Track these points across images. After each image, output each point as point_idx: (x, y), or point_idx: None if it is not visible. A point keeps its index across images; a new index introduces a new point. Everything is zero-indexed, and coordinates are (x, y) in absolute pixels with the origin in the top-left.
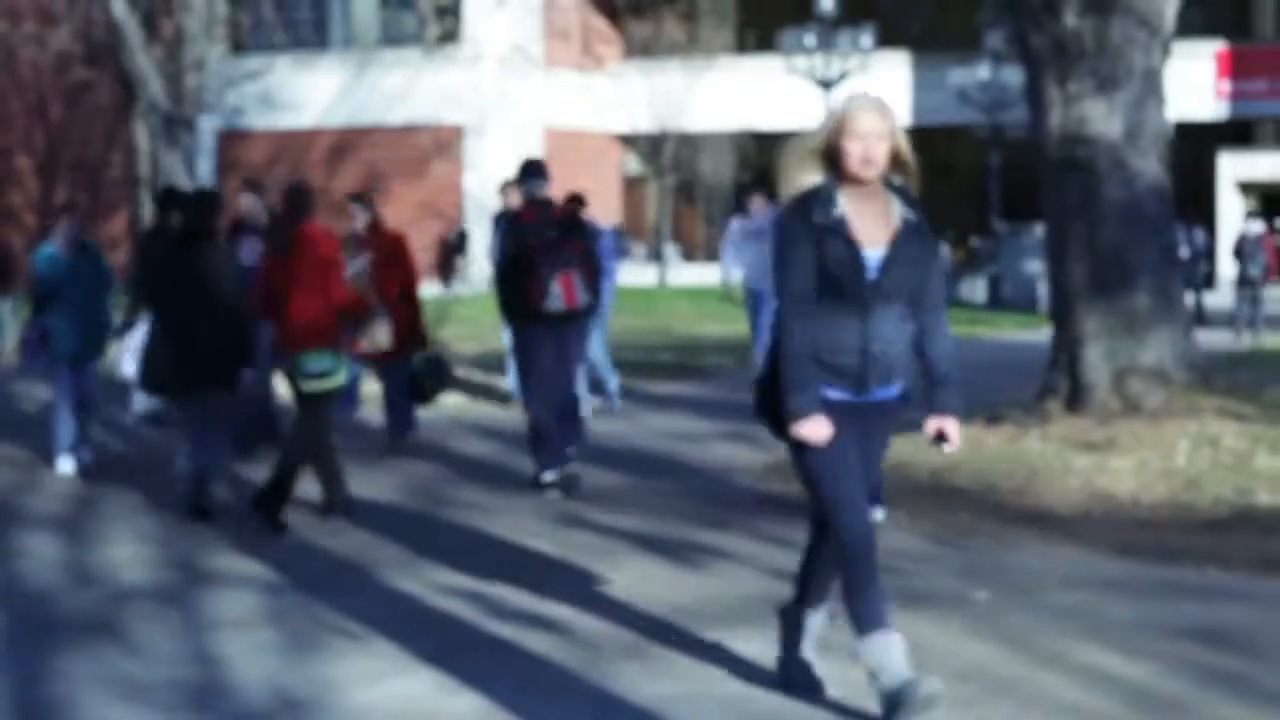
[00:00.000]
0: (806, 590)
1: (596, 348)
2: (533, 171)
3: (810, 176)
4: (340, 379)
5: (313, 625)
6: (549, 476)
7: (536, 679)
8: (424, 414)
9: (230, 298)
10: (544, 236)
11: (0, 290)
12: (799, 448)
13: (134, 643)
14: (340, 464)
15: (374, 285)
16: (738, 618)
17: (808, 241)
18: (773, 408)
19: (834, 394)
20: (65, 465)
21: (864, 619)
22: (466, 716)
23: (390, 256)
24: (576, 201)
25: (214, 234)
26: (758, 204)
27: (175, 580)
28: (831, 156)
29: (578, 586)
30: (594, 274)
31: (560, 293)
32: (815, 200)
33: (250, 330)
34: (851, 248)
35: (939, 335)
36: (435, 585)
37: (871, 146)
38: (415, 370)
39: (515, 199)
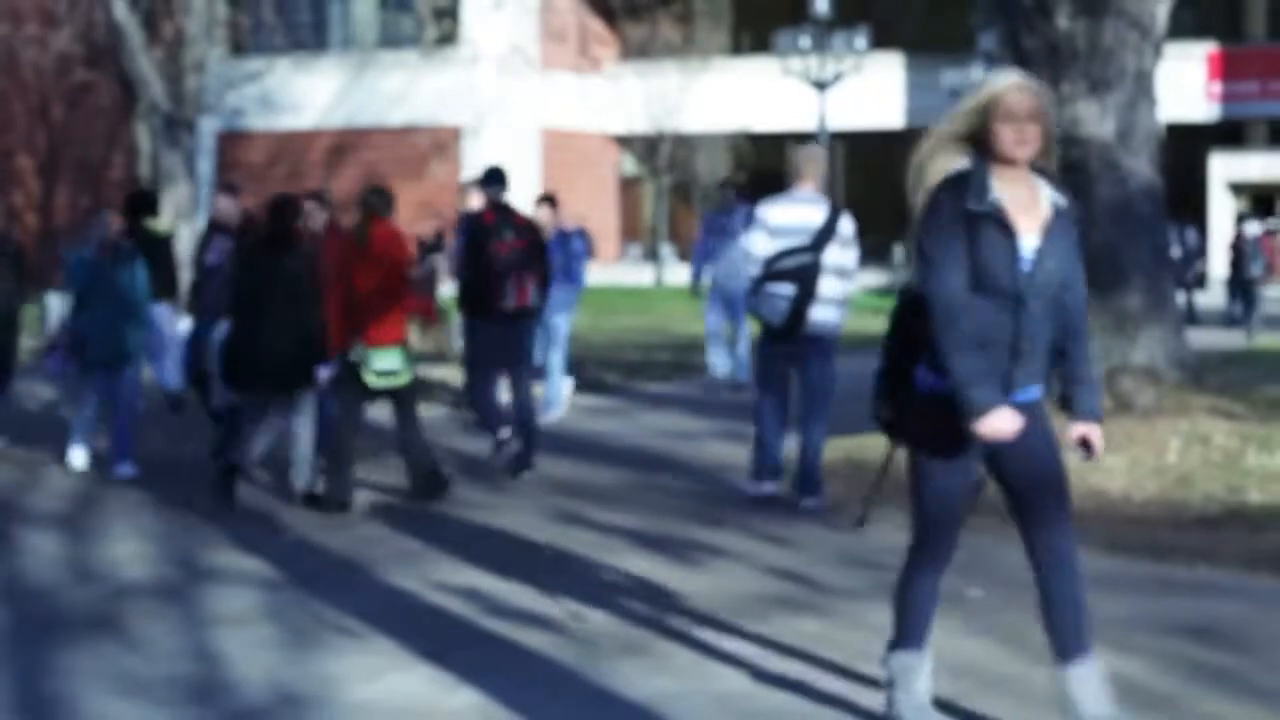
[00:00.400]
0: (904, 629)
1: (557, 351)
2: (495, 178)
3: (953, 161)
4: (406, 378)
5: (312, 622)
6: (504, 433)
7: (534, 675)
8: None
9: (309, 298)
10: (503, 238)
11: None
12: (922, 454)
13: (135, 639)
14: (352, 465)
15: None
16: (733, 615)
17: (959, 229)
18: (893, 408)
19: None
20: (78, 458)
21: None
22: (464, 712)
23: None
24: (548, 201)
25: (295, 238)
26: (728, 200)
27: (176, 577)
28: (979, 140)
29: (575, 583)
30: (545, 276)
31: (514, 292)
32: (968, 185)
33: (324, 330)
34: (1008, 236)
35: (1081, 334)
36: (433, 582)
37: (1026, 128)
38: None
39: (476, 200)
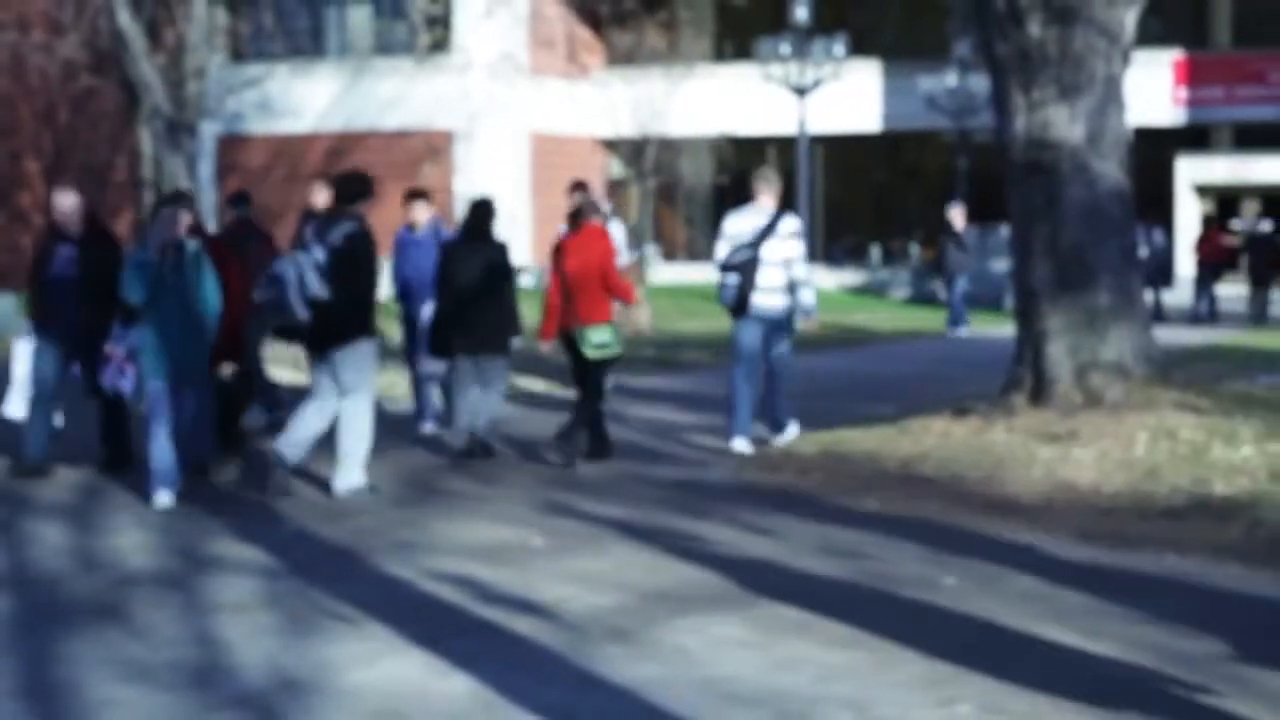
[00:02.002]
0: None
1: None
2: (416, 195)
3: None
4: (617, 350)
5: (309, 609)
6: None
7: (524, 661)
8: (413, 407)
9: (503, 282)
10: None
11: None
12: None
13: (138, 626)
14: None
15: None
16: (717, 602)
17: None
18: None
19: None
20: (163, 498)
21: None
22: (458, 696)
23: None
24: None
25: (490, 233)
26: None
27: (177, 566)
28: None
29: (564, 572)
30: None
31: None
32: None
33: (516, 307)
34: None
35: None
36: (427, 571)
37: None
38: (225, 384)
39: (322, 199)
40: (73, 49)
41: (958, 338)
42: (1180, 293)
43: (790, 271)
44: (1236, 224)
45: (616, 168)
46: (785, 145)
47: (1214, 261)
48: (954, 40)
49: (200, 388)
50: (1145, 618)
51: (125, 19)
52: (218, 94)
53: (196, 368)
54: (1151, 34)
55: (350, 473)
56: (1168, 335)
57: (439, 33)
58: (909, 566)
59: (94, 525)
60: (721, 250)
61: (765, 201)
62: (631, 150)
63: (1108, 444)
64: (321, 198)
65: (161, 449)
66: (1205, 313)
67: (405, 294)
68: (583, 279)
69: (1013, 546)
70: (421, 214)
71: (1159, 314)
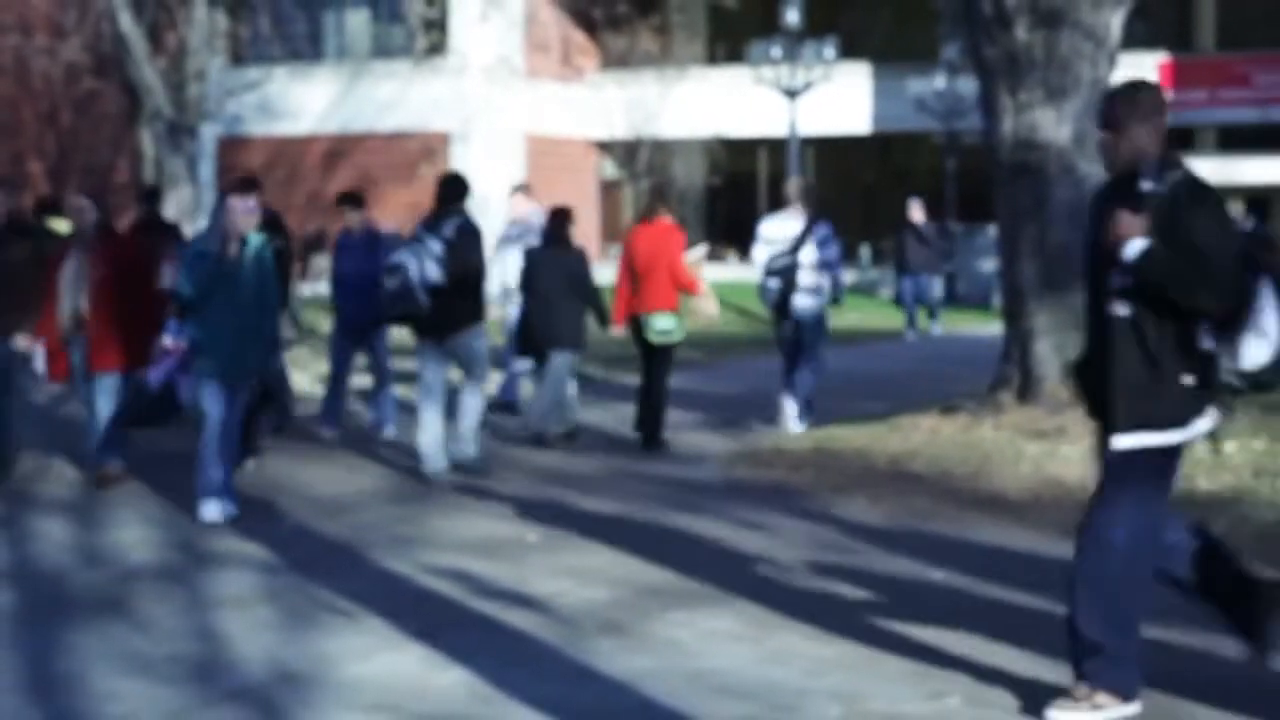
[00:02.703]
0: None
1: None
2: (349, 199)
3: None
4: (678, 336)
5: (308, 604)
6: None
7: (519, 654)
8: (411, 404)
9: (584, 285)
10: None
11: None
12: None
13: (141, 620)
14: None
15: (105, 292)
16: (709, 596)
17: None
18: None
19: None
20: (210, 511)
21: None
22: (454, 689)
23: (134, 261)
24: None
25: (570, 239)
26: (519, 202)
27: (179, 561)
28: None
29: (558, 567)
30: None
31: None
32: None
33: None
34: None
35: None
36: (424, 566)
37: None
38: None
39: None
40: (75, 52)
41: (931, 335)
42: None
43: (824, 275)
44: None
45: (610, 169)
46: (776, 147)
47: None
48: (942, 43)
49: (250, 387)
50: None
51: (127, 23)
52: (218, 96)
53: (253, 368)
54: (1137, 37)
55: (470, 446)
56: None
57: (435, 36)
58: (898, 561)
59: (98, 520)
60: (760, 253)
61: (793, 208)
62: (625, 152)
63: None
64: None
65: (213, 456)
66: None
67: (339, 292)
68: (650, 269)
69: (1000, 541)
70: (354, 218)
71: None
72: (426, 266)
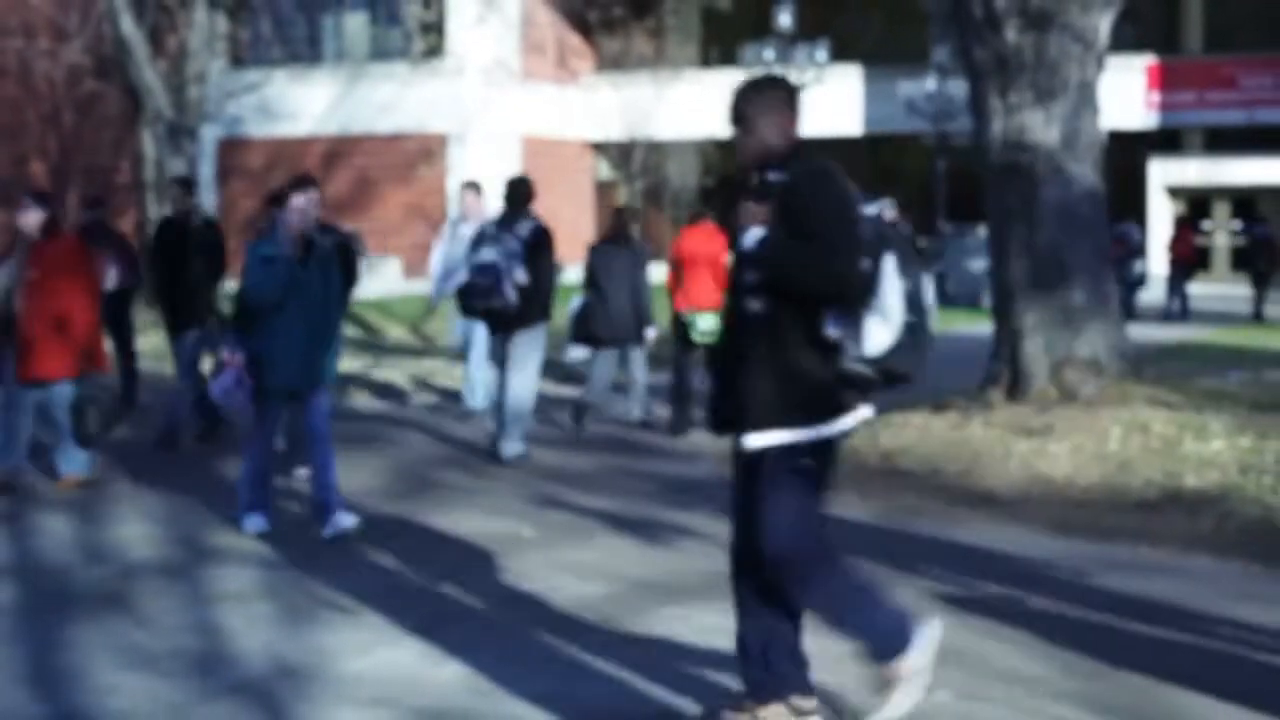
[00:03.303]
0: None
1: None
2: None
3: None
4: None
5: (307, 599)
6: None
7: (516, 649)
8: (408, 401)
9: (640, 279)
10: None
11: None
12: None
13: (142, 615)
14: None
15: (36, 296)
16: (701, 591)
17: None
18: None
19: None
20: (254, 523)
21: None
22: (451, 684)
23: (67, 264)
24: (621, 215)
25: (630, 236)
26: (469, 199)
27: (180, 557)
28: None
29: (554, 562)
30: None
31: None
32: None
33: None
34: None
35: None
36: (421, 562)
37: None
38: (81, 397)
39: (182, 203)
40: (77, 55)
41: None
42: (1152, 291)
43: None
44: (1207, 225)
45: (605, 170)
46: None
47: (1186, 261)
48: (933, 46)
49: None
50: (1119, 606)
51: (128, 26)
52: (218, 98)
53: (319, 379)
54: (1125, 40)
55: (514, 443)
56: (1140, 332)
57: (433, 39)
58: (888, 557)
59: (99, 517)
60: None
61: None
62: (620, 153)
63: (1082, 438)
64: (183, 201)
65: (260, 468)
66: (1177, 311)
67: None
68: (695, 269)
69: (990, 538)
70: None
71: (1129, 312)
72: (513, 267)
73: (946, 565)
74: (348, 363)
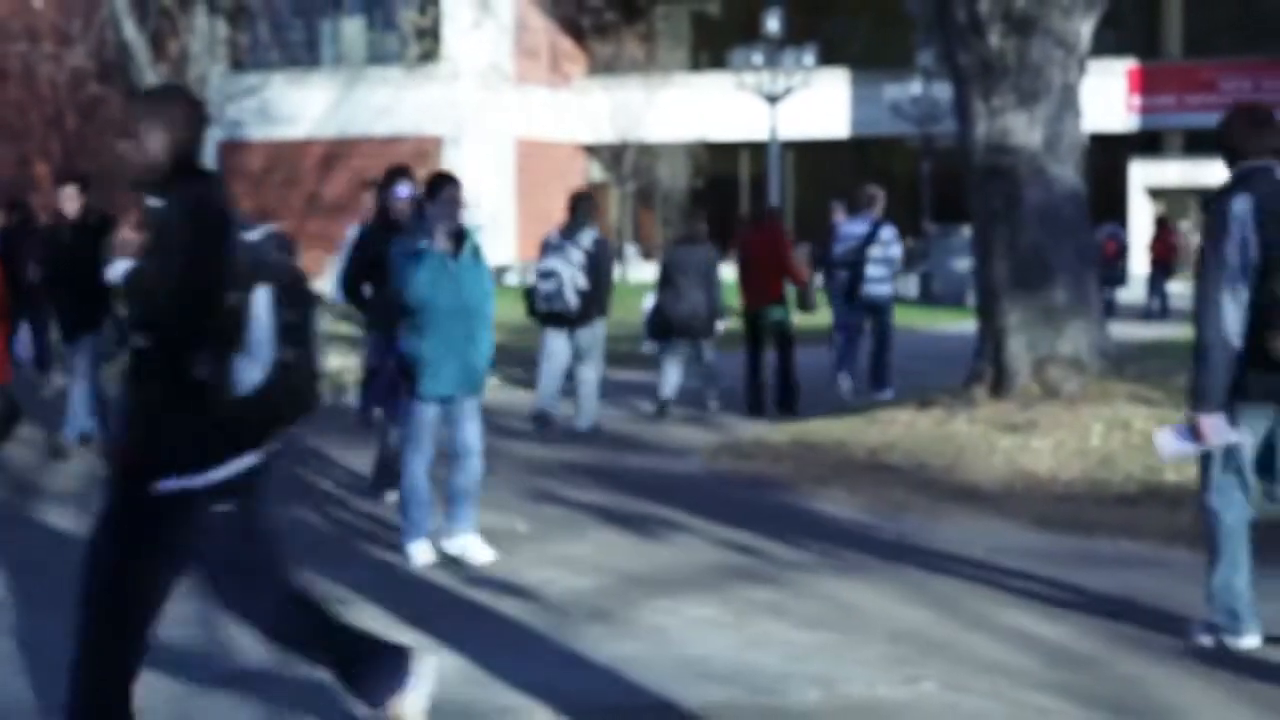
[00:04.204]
0: None
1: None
2: (79, 179)
3: None
4: (790, 321)
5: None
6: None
7: (509, 640)
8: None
9: (711, 276)
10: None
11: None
12: None
13: None
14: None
15: None
16: (692, 584)
17: None
18: None
19: None
20: (420, 554)
21: None
22: (445, 674)
23: None
24: (696, 219)
25: (703, 236)
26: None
27: None
28: None
29: (547, 556)
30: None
31: None
32: None
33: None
34: None
35: None
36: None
37: None
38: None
39: (69, 205)
40: (80, 59)
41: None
42: (1133, 290)
43: (887, 269)
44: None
45: (597, 171)
46: (757, 150)
47: (1166, 260)
48: (918, 50)
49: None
50: (1100, 598)
51: (131, 31)
52: (218, 101)
53: (477, 385)
54: (1106, 44)
55: (585, 418)
56: (1121, 331)
57: (428, 44)
58: (875, 550)
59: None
60: (837, 249)
61: (867, 212)
62: (611, 155)
63: (1064, 434)
64: (69, 204)
65: (420, 489)
66: (1157, 309)
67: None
68: (761, 265)
69: (974, 531)
70: (74, 203)
71: (1109, 310)
72: (576, 274)
73: (930, 558)
74: (342, 360)
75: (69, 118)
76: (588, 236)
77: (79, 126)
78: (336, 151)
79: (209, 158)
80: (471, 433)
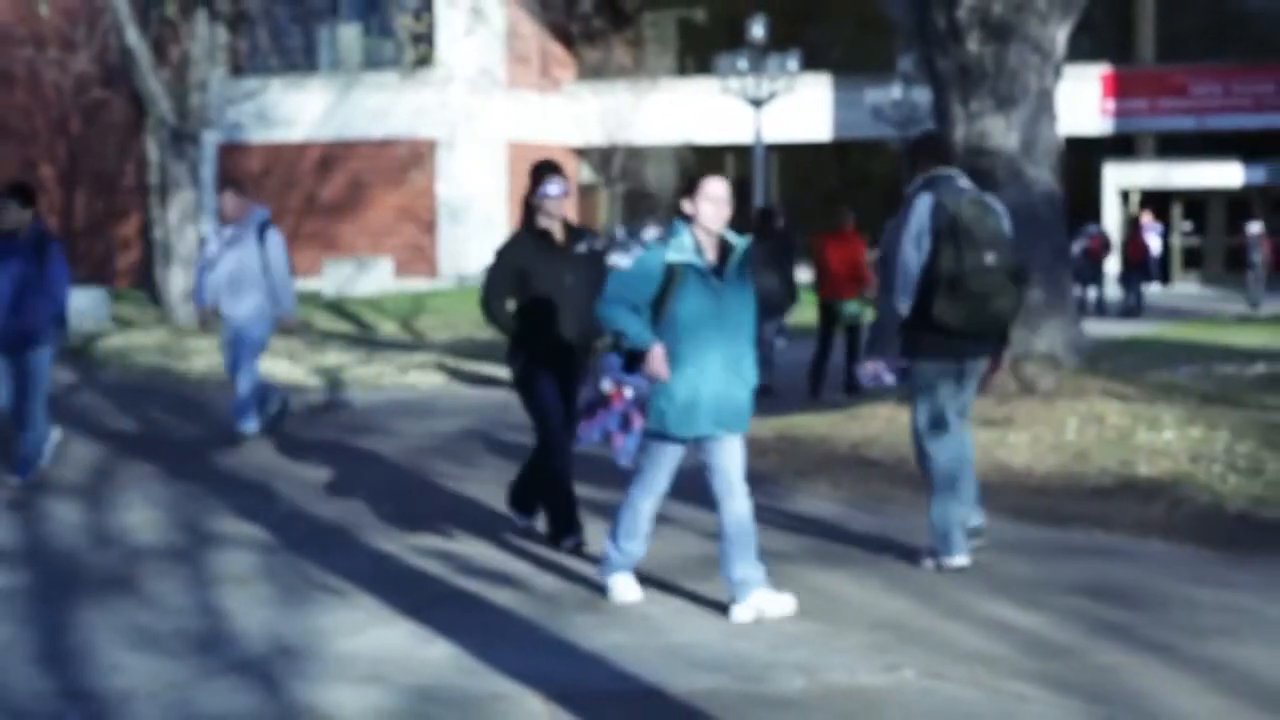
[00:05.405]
0: None
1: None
2: (20, 192)
3: None
4: (865, 316)
5: (303, 582)
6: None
7: (502, 629)
8: (400, 394)
9: (785, 266)
10: None
11: None
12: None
13: (147, 596)
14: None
15: None
16: (680, 575)
17: None
18: None
19: None
20: (627, 590)
21: None
22: (440, 662)
23: None
24: (765, 213)
25: (774, 230)
26: (229, 203)
27: (183, 541)
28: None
29: (539, 547)
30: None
31: None
32: None
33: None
34: None
35: None
36: (412, 546)
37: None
38: None
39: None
40: (85, 64)
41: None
42: (1106, 288)
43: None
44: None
45: (586, 174)
46: (742, 153)
47: (1140, 260)
48: (899, 56)
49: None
50: (1075, 589)
51: (133, 36)
52: (218, 105)
53: (740, 422)
54: (1081, 50)
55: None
56: (1096, 328)
57: (423, 49)
58: (857, 542)
59: (106, 503)
60: None
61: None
62: (600, 158)
63: (1040, 429)
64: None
65: (643, 521)
66: (1133, 305)
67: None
68: (839, 266)
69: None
70: (16, 217)
71: (1101, 308)
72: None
73: (910, 550)
74: (339, 357)
75: (73, 121)
76: (651, 232)
77: (83, 130)
78: (333, 154)
79: (208, 160)
80: (728, 479)
